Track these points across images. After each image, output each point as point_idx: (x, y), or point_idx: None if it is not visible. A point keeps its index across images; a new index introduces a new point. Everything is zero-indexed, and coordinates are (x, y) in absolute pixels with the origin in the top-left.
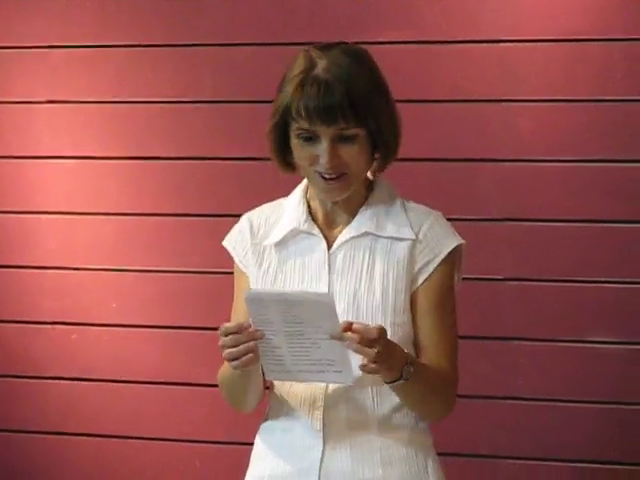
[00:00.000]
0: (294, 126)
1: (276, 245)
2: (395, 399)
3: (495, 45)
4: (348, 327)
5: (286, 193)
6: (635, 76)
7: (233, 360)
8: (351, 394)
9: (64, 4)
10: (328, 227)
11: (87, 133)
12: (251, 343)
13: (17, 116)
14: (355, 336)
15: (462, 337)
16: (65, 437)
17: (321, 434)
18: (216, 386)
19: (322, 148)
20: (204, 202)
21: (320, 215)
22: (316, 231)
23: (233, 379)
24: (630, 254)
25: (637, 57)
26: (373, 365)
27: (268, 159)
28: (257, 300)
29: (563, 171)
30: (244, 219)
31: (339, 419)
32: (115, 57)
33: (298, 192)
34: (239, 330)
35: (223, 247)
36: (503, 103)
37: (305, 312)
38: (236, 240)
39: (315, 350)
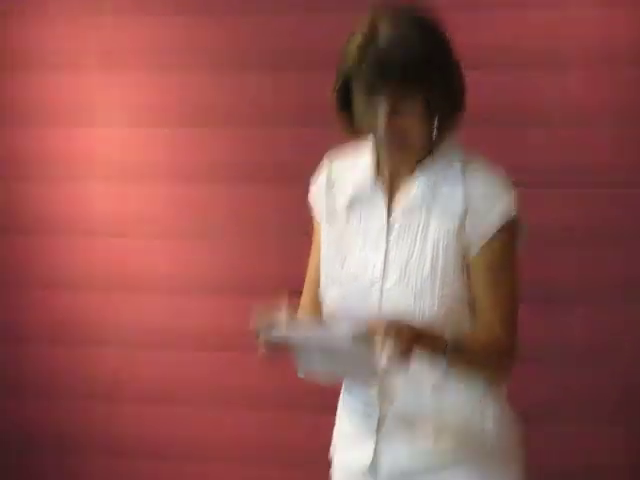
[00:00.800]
0: (356, 92)
1: (345, 207)
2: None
3: None
4: (371, 331)
5: None
6: None
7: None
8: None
9: None
10: (392, 182)
11: (139, 102)
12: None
13: (68, 84)
14: (373, 331)
15: None
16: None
17: (377, 402)
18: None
19: (380, 119)
20: (259, 170)
21: (386, 168)
22: (378, 198)
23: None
24: None
25: None
26: (401, 360)
27: None
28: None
29: None
30: (325, 167)
31: (394, 386)
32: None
33: (370, 146)
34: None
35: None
36: None
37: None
38: (316, 193)
39: (344, 366)
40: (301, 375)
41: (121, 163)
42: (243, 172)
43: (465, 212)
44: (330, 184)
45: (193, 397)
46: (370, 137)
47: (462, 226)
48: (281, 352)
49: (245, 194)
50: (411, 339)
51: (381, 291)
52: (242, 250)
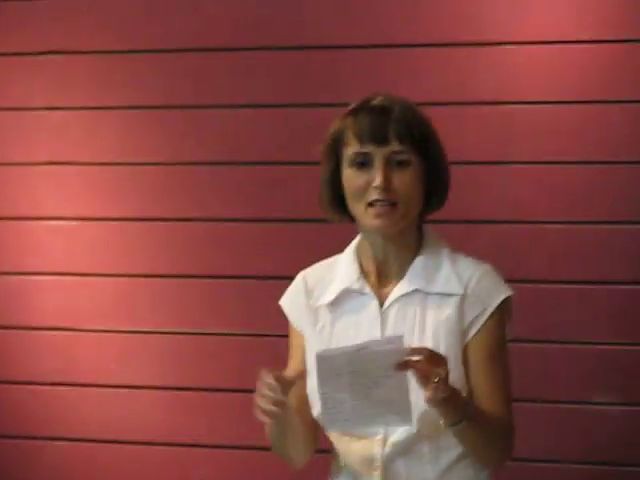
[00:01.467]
0: (347, 153)
1: (329, 305)
2: (453, 453)
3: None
4: (412, 352)
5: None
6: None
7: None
8: (409, 450)
9: (64, 66)
10: (380, 283)
11: (84, 193)
12: (275, 406)
13: (17, 177)
14: (420, 356)
15: None
16: None
17: None
18: (218, 447)
19: (375, 170)
20: (203, 263)
21: (372, 270)
22: (367, 290)
23: (272, 436)
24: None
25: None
26: (437, 393)
27: (268, 220)
28: (328, 358)
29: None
30: (299, 278)
31: (398, 475)
32: (114, 118)
33: (350, 249)
34: (270, 388)
35: (219, 308)
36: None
37: (376, 361)
38: (292, 300)
39: (376, 390)
40: (329, 429)
41: (69, 256)
42: (185, 265)
43: (462, 298)
44: (307, 288)
45: None
46: (359, 208)
47: (461, 313)
48: (281, 412)
49: (189, 289)
50: (446, 377)
51: None
52: (191, 345)
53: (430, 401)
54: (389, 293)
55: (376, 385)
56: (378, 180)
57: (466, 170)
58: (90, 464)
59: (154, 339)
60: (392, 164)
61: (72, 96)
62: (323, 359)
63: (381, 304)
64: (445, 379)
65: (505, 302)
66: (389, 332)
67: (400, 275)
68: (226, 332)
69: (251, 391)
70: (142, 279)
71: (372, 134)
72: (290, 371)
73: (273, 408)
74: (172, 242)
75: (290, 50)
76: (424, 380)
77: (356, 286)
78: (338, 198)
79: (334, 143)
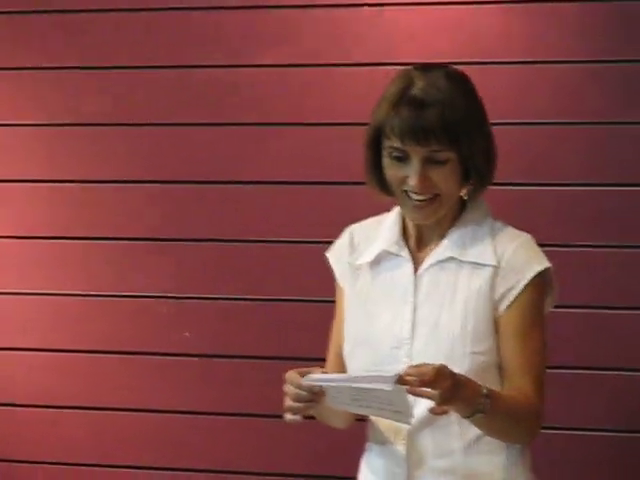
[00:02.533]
0: (386, 144)
1: (369, 264)
2: None
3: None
4: (410, 372)
5: None
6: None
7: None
8: (436, 420)
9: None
10: (419, 247)
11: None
12: (311, 404)
13: None
14: (413, 379)
15: None
16: None
17: (405, 462)
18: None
19: (412, 169)
20: (79, 224)
21: (412, 234)
22: (404, 253)
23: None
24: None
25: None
26: (442, 406)
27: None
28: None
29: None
30: (347, 232)
31: (424, 446)
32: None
33: (396, 210)
34: (300, 388)
35: (101, 269)
36: None
37: (369, 392)
38: (336, 254)
39: (374, 396)
40: (332, 404)
41: None
42: (68, 226)
43: (496, 270)
44: (353, 244)
45: None
46: (398, 193)
47: (493, 285)
48: (308, 407)
49: (70, 248)
50: (451, 387)
51: (410, 352)
52: (77, 305)
53: (444, 413)
54: (426, 257)
55: (379, 403)
56: (414, 180)
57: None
58: None
59: (23, 300)
60: (430, 162)
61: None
62: (312, 381)
63: (418, 269)
64: (451, 387)
65: (541, 275)
66: (421, 297)
67: (439, 241)
68: (103, 294)
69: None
70: (27, 241)
71: (411, 133)
72: (334, 333)
73: (298, 418)
74: (53, 203)
75: None
76: (429, 397)
77: (394, 248)
78: (383, 180)
79: (375, 132)
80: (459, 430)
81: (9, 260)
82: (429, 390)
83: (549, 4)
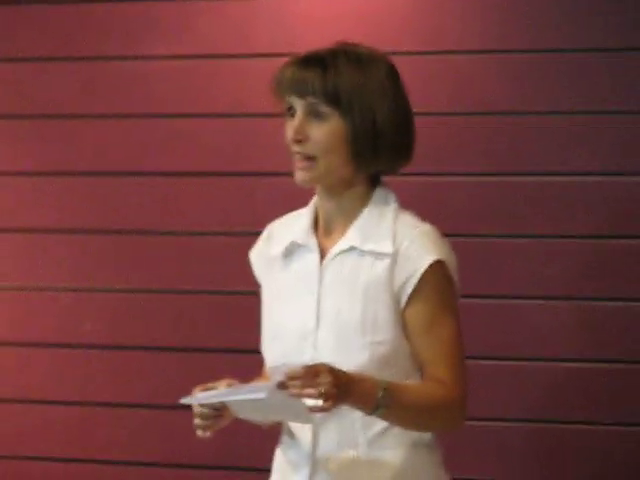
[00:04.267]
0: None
1: (282, 256)
2: None
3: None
4: (288, 378)
5: None
6: None
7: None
8: (342, 413)
9: None
10: (327, 236)
11: None
12: (217, 420)
13: None
14: (292, 383)
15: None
16: None
17: (309, 455)
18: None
19: (293, 121)
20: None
21: (321, 223)
22: (312, 243)
23: None
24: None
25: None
26: (323, 404)
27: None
28: (197, 401)
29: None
30: (266, 229)
31: (329, 439)
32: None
33: (312, 202)
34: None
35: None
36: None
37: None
38: (256, 251)
39: (268, 405)
40: (239, 416)
41: None
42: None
43: (394, 260)
44: (269, 239)
45: None
46: (291, 156)
47: (391, 274)
48: (215, 423)
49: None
50: (333, 383)
51: (315, 342)
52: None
53: (328, 410)
54: (333, 246)
55: (274, 408)
56: (291, 131)
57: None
58: None
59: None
60: (311, 116)
61: None
62: (192, 402)
63: (325, 258)
64: (332, 384)
65: (439, 265)
66: (325, 288)
67: (344, 231)
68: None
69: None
70: None
71: (291, 85)
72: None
73: (207, 434)
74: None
75: None
76: (310, 396)
77: (303, 239)
78: None
79: (274, 94)
80: (362, 424)
81: None
82: (309, 390)
83: None
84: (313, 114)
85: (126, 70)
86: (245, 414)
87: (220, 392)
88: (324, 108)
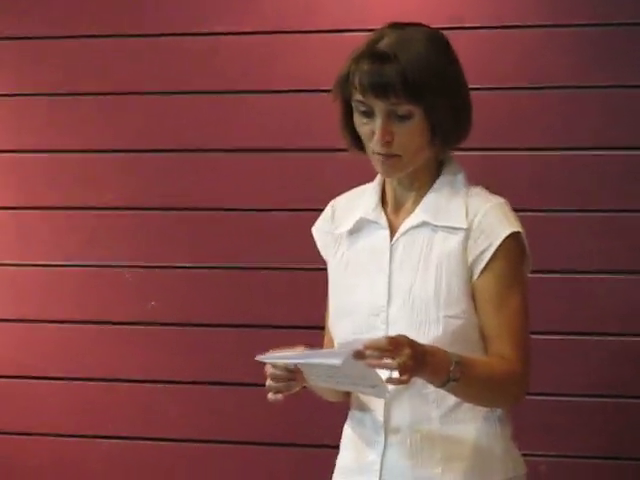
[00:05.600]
0: (353, 98)
1: (349, 233)
2: None
3: (337, 35)
4: (367, 347)
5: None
6: None
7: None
8: (414, 388)
9: None
10: (396, 212)
11: None
12: (290, 383)
13: None
14: (370, 352)
15: None
16: None
17: (383, 430)
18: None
19: (376, 124)
20: (44, 194)
21: (390, 200)
22: (382, 220)
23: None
24: None
25: None
26: (400, 377)
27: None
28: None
29: None
30: (329, 205)
31: (402, 414)
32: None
33: (377, 178)
34: (276, 367)
35: (67, 239)
36: None
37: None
38: (319, 227)
39: (342, 372)
40: (310, 383)
41: None
42: (33, 194)
43: (467, 234)
44: (333, 216)
45: None
46: (368, 149)
47: (464, 248)
48: (287, 386)
49: (36, 218)
50: (411, 355)
51: (387, 318)
52: (41, 274)
53: (402, 383)
54: (403, 222)
55: (348, 377)
56: (377, 135)
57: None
58: None
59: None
60: (393, 117)
61: None
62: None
63: (395, 235)
64: (410, 356)
65: (514, 239)
66: (396, 263)
67: (414, 206)
68: (69, 263)
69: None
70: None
71: (372, 87)
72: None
73: (279, 397)
74: (13, 173)
75: None
76: (388, 367)
77: (372, 216)
78: (356, 135)
79: (341, 85)
80: (436, 398)
81: None
82: (388, 361)
83: None
84: (395, 114)
85: (191, 46)
86: (317, 380)
87: (295, 354)
88: (407, 107)
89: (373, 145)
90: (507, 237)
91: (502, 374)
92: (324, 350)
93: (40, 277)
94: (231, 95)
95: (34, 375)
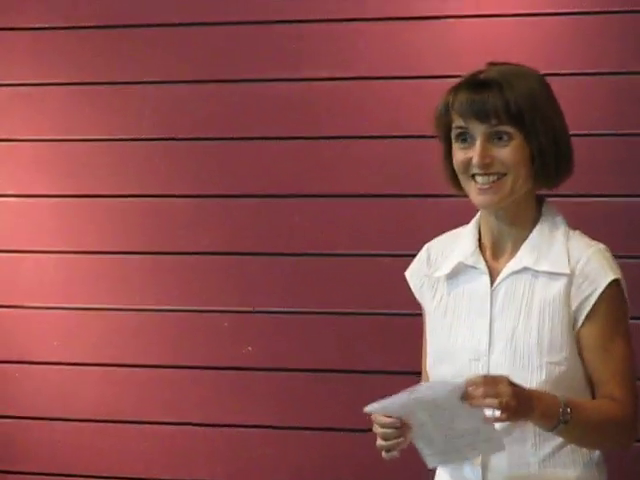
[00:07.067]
0: (453, 127)
1: (447, 277)
2: (558, 439)
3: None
4: (468, 384)
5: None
6: None
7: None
8: (512, 434)
9: (6, 44)
10: (495, 256)
11: (28, 171)
12: (400, 439)
13: None
14: (472, 390)
15: None
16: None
17: (481, 475)
18: (162, 423)
19: (475, 147)
20: (145, 240)
21: (488, 243)
22: (481, 265)
23: None
24: None
25: None
26: (501, 415)
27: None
28: (382, 409)
29: None
30: (424, 249)
31: (499, 459)
32: (55, 95)
33: (473, 222)
34: (391, 426)
35: (164, 284)
36: None
37: (435, 401)
38: (414, 270)
39: (457, 421)
40: (430, 464)
41: (12, 233)
42: (132, 241)
43: (570, 279)
44: (430, 259)
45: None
46: (464, 181)
47: (567, 294)
48: (397, 443)
49: (130, 266)
50: (512, 394)
51: (488, 364)
52: (133, 321)
53: (504, 421)
54: (502, 267)
55: (454, 417)
56: (476, 157)
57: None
58: (31, 440)
59: (97, 315)
60: (492, 140)
61: (15, 74)
62: (377, 411)
63: (494, 279)
64: (511, 395)
65: (616, 284)
66: (497, 309)
67: (514, 251)
68: (166, 308)
69: (189, 367)
70: (84, 256)
71: (471, 110)
72: (424, 350)
73: (394, 454)
74: (113, 219)
75: None
76: (489, 405)
77: (470, 261)
78: (455, 175)
79: (441, 118)
80: (535, 443)
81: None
82: (489, 400)
83: None
84: (495, 137)
85: (289, 92)
86: (431, 441)
87: (400, 395)
88: (508, 129)
89: (472, 169)
90: (610, 283)
91: (611, 416)
92: (427, 384)
93: (131, 321)
94: (327, 141)
95: (127, 420)
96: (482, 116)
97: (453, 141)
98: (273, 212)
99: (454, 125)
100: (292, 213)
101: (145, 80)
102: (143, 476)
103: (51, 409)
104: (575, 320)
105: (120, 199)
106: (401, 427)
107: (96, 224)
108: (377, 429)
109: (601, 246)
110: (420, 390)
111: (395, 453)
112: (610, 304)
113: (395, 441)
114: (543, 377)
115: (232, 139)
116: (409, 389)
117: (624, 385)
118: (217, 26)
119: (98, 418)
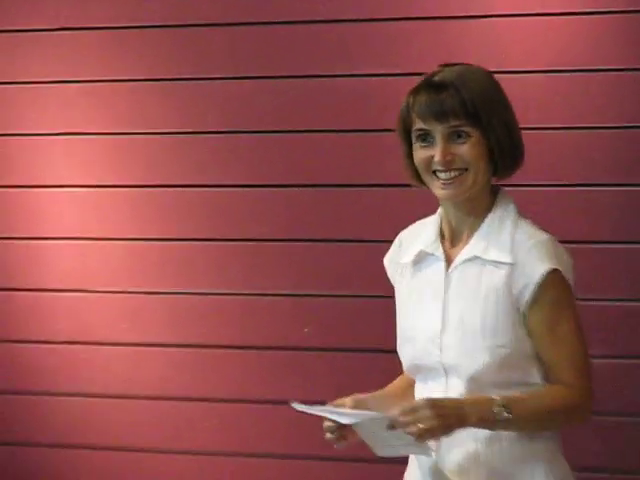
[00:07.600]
0: (413, 129)
1: (412, 263)
2: None
3: None
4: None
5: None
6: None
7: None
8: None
9: (74, 42)
10: (452, 244)
11: (97, 163)
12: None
13: (32, 147)
14: (400, 420)
15: None
16: (71, 450)
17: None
18: (222, 400)
19: (437, 146)
20: (209, 227)
21: (447, 232)
22: (439, 252)
23: None
24: None
25: None
26: (424, 437)
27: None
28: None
29: None
30: (397, 237)
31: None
32: (125, 90)
33: (438, 211)
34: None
35: (225, 270)
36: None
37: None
38: (389, 257)
39: (390, 439)
40: (380, 455)
41: (83, 222)
42: (195, 226)
43: (511, 269)
44: (401, 247)
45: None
46: (427, 177)
47: (510, 282)
48: (341, 438)
49: (195, 252)
50: (433, 416)
51: (441, 345)
52: (198, 305)
53: (437, 437)
54: (456, 256)
55: (385, 436)
56: (437, 156)
57: None
58: (101, 418)
59: (163, 300)
60: (452, 138)
61: (84, 70)
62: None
63: (450, 266)
64: (431, 417)
65: (553, 274)
66: (451, 294)
67: (468, 239)
68: (229, 292)
69: (251, 347)
70: (151, 242)
71: (430, 111)
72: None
73: (343, 443)
74: (179, 207)
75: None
76: (411, 433)
77: (430, 248)
78: (417, 171)
79: (403, 121)
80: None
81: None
82: (411, 428)
83: None
84: (454, 135)
85: (348, 87)
86: (368, 440)
87: (322, 408)
88: (466, 128)
89: (434, 166)
90: (545, 274)
91: (560, 401)
92: (361, 412)
93: (201, 304)
94: (383, 133)
95: (196, 397)
96: (441, 117)
97: (414, 141)
98: (331, 201)
99: (415, 127)
100: (352, 202)
101: (211, 77)
102: (211, 450)
103: (119, 387)
104: (517, 307)
105: (185, 189)
106: (340, 428)
107: (162, 212)
108: (323, 422)
109: (545, 236)
110: (334, 412)
111: (344, 443)
112: (551, 291)
113: (338, 434)
114: (487, 358)
115: (291, 132)
116: (331, 408)
117: (573, 367)
118: (279, 25)
119: (165, 395)
